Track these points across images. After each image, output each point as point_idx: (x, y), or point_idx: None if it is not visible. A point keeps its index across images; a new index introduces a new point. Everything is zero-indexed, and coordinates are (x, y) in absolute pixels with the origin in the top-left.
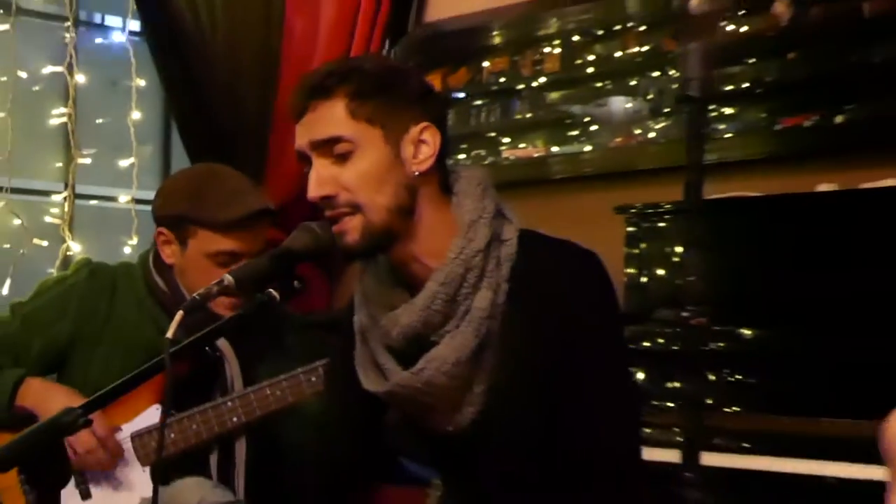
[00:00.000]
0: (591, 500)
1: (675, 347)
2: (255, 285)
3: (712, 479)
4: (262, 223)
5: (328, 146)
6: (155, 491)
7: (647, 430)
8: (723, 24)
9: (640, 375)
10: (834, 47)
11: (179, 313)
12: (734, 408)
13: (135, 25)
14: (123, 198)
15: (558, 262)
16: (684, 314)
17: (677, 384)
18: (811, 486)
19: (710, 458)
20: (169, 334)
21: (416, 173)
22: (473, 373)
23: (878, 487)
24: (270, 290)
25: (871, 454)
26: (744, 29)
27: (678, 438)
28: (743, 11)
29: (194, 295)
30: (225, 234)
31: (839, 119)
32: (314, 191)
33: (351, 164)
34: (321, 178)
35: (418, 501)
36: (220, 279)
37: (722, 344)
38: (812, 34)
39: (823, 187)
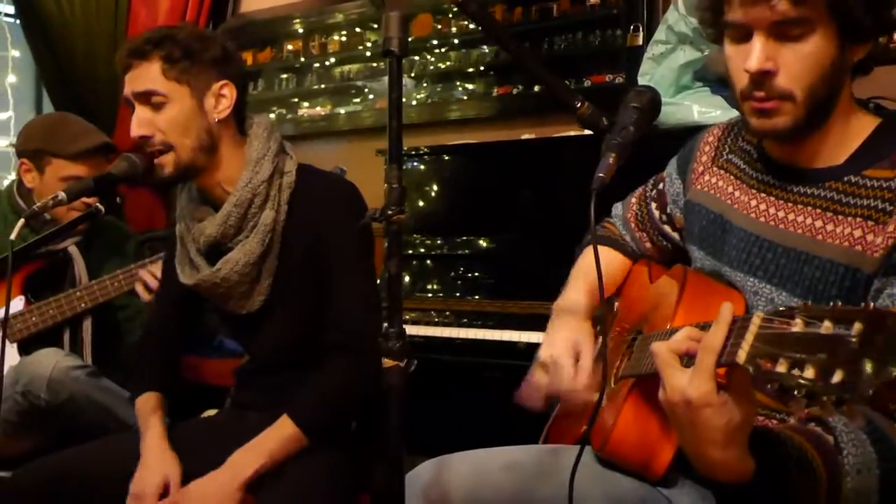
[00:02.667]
0: (334, 366)
1: (431, 256)
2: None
3: (460, 348)
4: (103, 155)
5: (146, 97)
6: (1, 357)
7: (412, 315)
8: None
9: (407, 278)
10: (532, 37)
11: (21, 220)
12: (472, 296)
13: (9, 8)
14: (2, 142)
15: (323, 189)
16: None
17: (433, 282)
18: (512, 348)
19: (455, 332)
20: (12, 237)
21: (217, 120)
22: (260, 271)
23: None
24: (97, 203)
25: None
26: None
27: (436, 319)
28: None
29: (34, 207)
30: (74, 161)
31: (536, 89)
32: (135, 131)
33: (164, 112)
34: (140, 121)
35: (232, 367)
36: (55, 194)
37: (462, 251)
38: (517, 27)
39: (526, 136)
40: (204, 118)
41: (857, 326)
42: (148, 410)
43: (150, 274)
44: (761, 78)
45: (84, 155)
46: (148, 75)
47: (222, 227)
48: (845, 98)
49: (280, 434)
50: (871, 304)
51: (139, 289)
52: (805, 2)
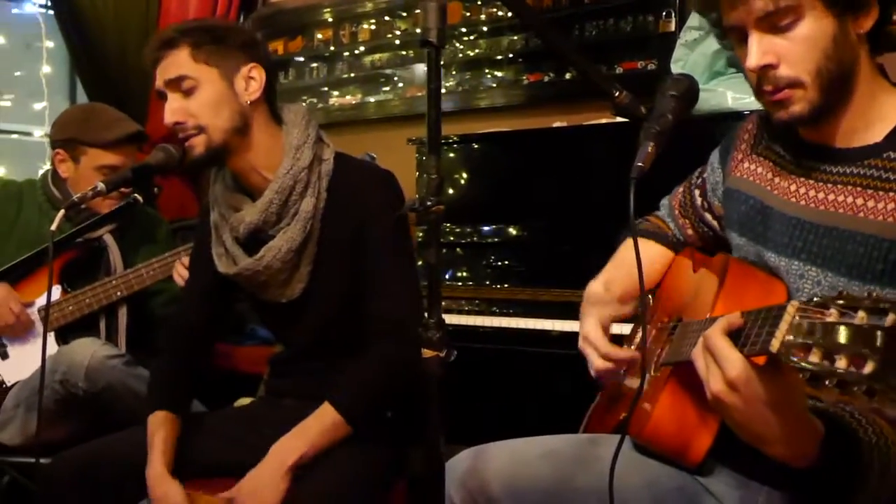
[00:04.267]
0: (377, 354)
1: (461, 244)
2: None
3: (488, 335)
4: (135, 143)
5: (177, 83)
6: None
7: (443, 303)
8: None
9: None
10: (562, 24)
11: (61, 211)
12: (502, 284)
13: None
14: (38, 132)
15: (361, 177)
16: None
17: (463, 270)
18: (545, 336)
19: (485, 321)
20: (52, 227)
21: (248, 102)
22: (300, 258)
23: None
24: (135, 193)
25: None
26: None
27: (465, 308)
28: None
29: (73, 197)
30: (108, 150)
31: (568, 76)
32: (169, 118)
33: (195, 96)
34: (173, 109)
35: (264, 355)
36: (94, 185)
37: (492, 239)
38: (540, 14)
39: (557, 124)
40: (235, 100)
41: (891, 317)
42: (152, 432)
43: (182, 265)
44: (764, 72)
45: (118, 143)
46: (177, 61)
47: (264, 214)
48: (865, 72)
49: (322, 421)
50: None
51: (176, 276)
52: None
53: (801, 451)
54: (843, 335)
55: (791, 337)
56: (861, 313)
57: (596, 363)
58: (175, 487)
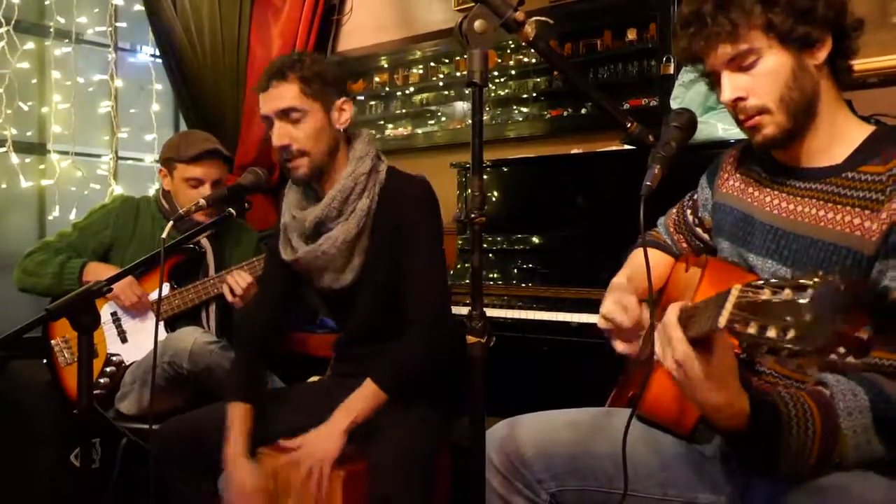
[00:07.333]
0: (410, 336)
1: (493, 250)
2: (219, 205)
3: (517, 326)
4: (214, 159)
5: (287, 113)
6: (156, 333)
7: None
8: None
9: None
10: (580, 68)
11: (169, 223)
12: (528, 283)
13: (154, 50)
14: (148, 158)
15: (406, 186)
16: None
17: (494, 272)
18: (565, 327)
19: (515, 314)
20: (163, 236)
21: (341, 129)
22: (353, 249)
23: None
24: (230, 208)
25: (595, 308)
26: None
27: (495, 303)
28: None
29: (180, 211)
30: (190, 164)
31: (583, 111)
32: (277, 142)
33: (301, 125)
34: (281, 134)
35: (331, 341)
36: (196, 201)
37: (519, 246)
38: (567, 60)
39: (574, 150)
40: (332, 128)
41: (810, 292)
42: (233, 422)
43: (234, 279)
44: (737, 104)
45: (196, 159)
46: (288, 94)
47: (326, 209)
48: (828, 99)
49: (364, 393)
50: (821, 272)
51: (225, 291)
52: (740, 39)
53: (733, 422)
54: (772, 309)
55: (735, 314)
56: (787, 291)
57: (614, 334)
58: (250, 468)
